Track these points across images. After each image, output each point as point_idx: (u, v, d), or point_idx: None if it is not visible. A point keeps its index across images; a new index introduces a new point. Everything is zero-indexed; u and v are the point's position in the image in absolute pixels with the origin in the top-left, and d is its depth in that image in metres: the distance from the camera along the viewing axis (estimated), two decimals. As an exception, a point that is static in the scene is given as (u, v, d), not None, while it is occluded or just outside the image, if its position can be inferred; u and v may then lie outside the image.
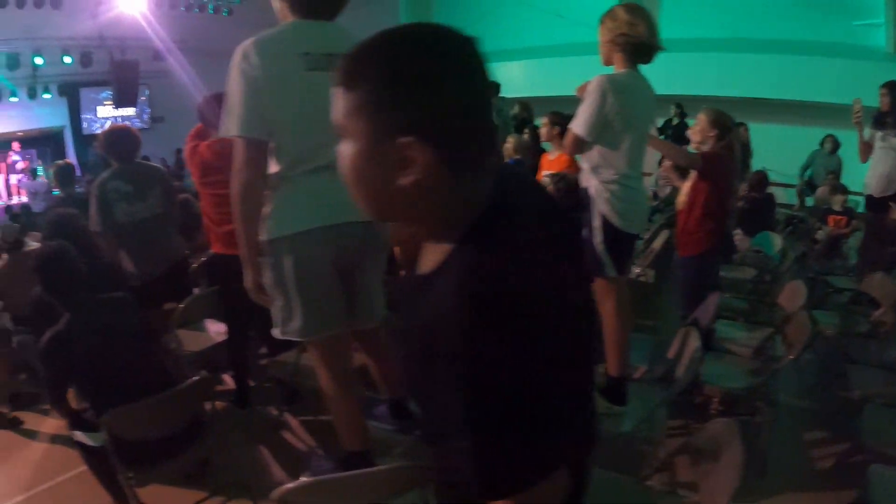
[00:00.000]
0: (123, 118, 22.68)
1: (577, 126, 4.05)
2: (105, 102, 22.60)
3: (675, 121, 13.77)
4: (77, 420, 3.70)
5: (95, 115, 22.66)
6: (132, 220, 5.27)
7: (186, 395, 3.50)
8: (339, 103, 1.24)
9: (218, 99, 3.95)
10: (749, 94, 14.49)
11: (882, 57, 14.12)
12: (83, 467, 4.13)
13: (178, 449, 3.56)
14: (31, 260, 3.71)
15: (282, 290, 3.12)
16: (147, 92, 22.09)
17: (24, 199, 18.17)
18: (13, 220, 11.48)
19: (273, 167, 3.01)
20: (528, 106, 11.00)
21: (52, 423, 5.47)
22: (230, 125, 2.89)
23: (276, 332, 3.27)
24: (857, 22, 14.81)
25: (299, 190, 2.99)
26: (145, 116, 23.48)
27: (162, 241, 5.50)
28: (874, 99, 7.49)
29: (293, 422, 5.04)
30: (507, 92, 11.57)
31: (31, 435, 5.36)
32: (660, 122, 12.97)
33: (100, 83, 21.68)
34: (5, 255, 6.03)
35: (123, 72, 19.73)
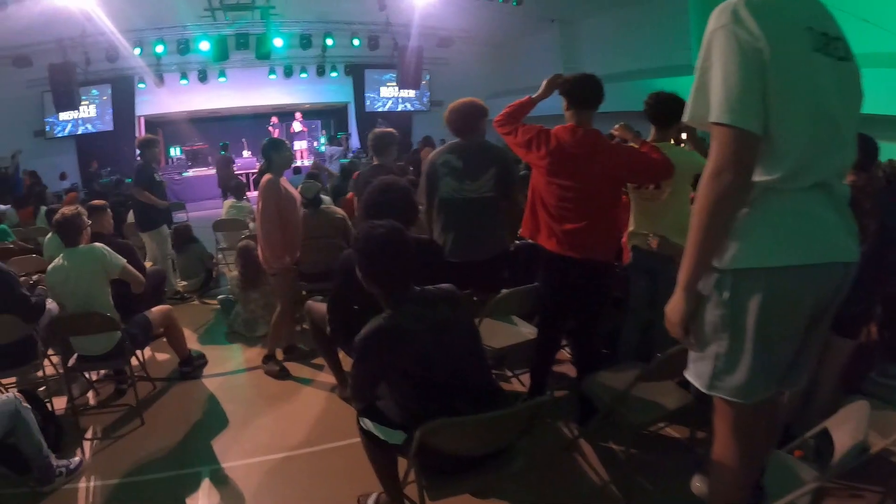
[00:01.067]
0: (404, 100, 23.90)
1: None
2: (388, 84, 23.48)
3: None
4: (375, 413, 3.27)
5: (378, 94, 23.67)
6: (458, 198, 4.86)
7: (520, 416, 2.99)
8: None
9: None
10: None
11: None
12: (347, 441, 4.34)
13: (488, 468, 3.10)
14: (360, 240, 3.09)
15: (731, 334, 2.32)
16: (428, 76, 22.57)
17: (307, 163, 18.91)
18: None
19: (757, 174, 2.20)
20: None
21: (323, 382, 5.76)
22: (716, 108, 2.14)
23: (698, 381, 2.49)
24: None
25: (788, 210, 2.19)
26: (425, 100, 24.19)
27: (487, 226, 4.94)
28: None
29: (586, 448, 4.34)
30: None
31: (302, 394, 5.58)
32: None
33: (384, 65, 22.61)
34: (304, 211, 6.21)
35: (409, 57, 20.15)
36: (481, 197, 4.86)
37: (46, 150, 19.85)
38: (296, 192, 5.82)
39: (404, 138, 21.91)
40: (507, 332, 5.09)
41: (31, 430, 4.11)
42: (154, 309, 5.70)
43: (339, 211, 6.93)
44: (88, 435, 4.94)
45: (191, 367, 6.05)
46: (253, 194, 13.26)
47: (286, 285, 5.91)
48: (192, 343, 6.81)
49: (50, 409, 4.84)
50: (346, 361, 4.42)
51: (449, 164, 4.91)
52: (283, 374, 5.90)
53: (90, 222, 5.34)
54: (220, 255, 9.79)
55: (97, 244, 5.11)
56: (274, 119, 21.46)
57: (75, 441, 4.79)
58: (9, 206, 11.62)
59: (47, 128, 20.11)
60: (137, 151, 8.57)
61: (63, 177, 18.19)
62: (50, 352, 5.50)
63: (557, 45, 20.42)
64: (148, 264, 7.11)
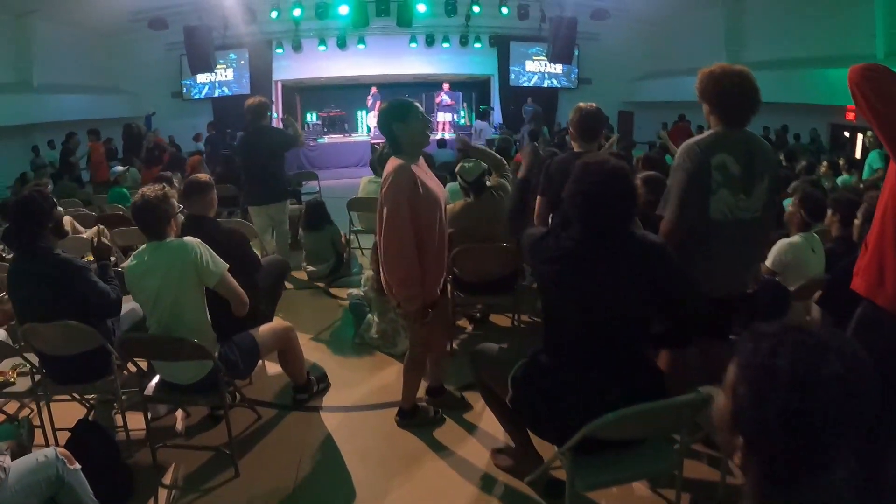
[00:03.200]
0: (551, 75, 22.35)
1: None
2: (534, 58, 22.03)
3: None
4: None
5: (524, 68, 22.21)
6: (730, 220, 3.39)
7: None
8: None
9: None
10: None
11: None
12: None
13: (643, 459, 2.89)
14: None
15: None
16: (577, 52, 20.93)
17: (448, 136, 17.92)
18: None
19: None
20: None
21: (483, 436, 4.24)
22: None
23: None
24: None
25: None
26: (573, 76, 22.56)
27: (751, 256, 3.66)
28: None
29: None
30: None
31: (453, 460, 4.00)
32: None
33: (530, 38, 21.25)
34: (463, 202, 5.23)
35: (562, 28, 18.85)
36: (753, 218, 3.43)
37: (183, 111, 19.81)
38: (438, 185, 3.95)
39: (549, 116, 20.76)
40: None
41: (79, 498, 2.97)
42: (265, 327, 4.22)
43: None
44: (167, 480, 3.77)
45: (308, 393, 4.60)
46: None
47: (421, 329, 3.98)
48: (312, 352, 5.41)
49: (118, 448, 3.70)
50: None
51: (725, 170, 3.34)
52: (432, 419, 4.36)
53: (181, 207, 3.94)
54: (353, 237, 8.36)
55: (191, 240, 3.67)
56: (373, 89, 20.32)
57: (150, 486, 3.68)
58: (128, 167, 10.57)
59: (185, 90, 20.05)
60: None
61: (198, 138, 17.69)
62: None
63: (720, 27, 18.67)
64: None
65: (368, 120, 20.40)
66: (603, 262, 2.71)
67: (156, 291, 3.57)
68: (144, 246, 3.68)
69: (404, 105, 3.81)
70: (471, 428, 4.28)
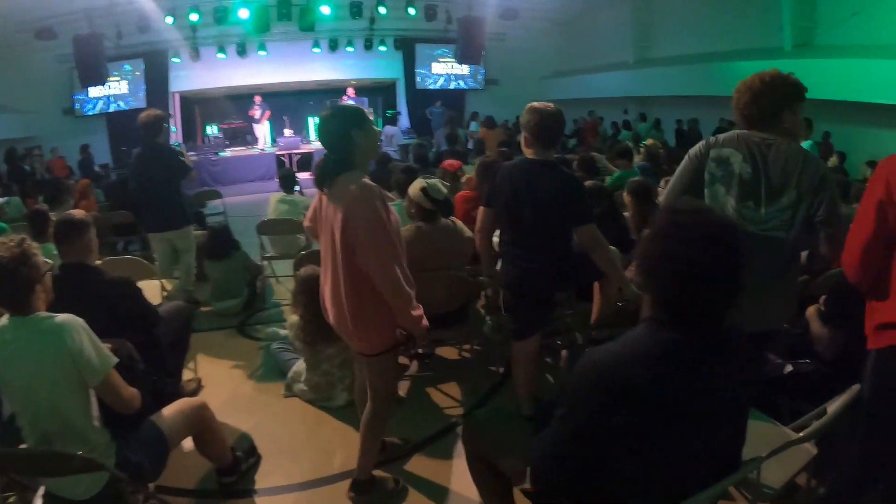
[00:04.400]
0: (457, 76, 21.90)
1: None
2: (441, 59, 21.50)
3: None
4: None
5: (429, 70, 21.64)
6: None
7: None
8: None
9: None
10: None
11: None
12: None
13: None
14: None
15: None
16: (483, 52, 20.31)
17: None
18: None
19: None
20: None
21: None
22: None
23: None
24: None
25: None
26: (480, 77, 22.15)
27: (769, 287, 3.03)
28: None
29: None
30: (878, 97, 11.25)
31: None
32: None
33: (437, 39, 20.68)
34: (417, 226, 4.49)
35: (470, 28, 18.30)
36: (766, 236, 2.99)
37: (76, 129, 18.03)
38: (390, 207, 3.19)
39: (458, 118, 19.98)
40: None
41: None
42: (172, 410, 3.22)
43: (466, 228, 4.72)
44: None
45: (235, 474, 3.65)
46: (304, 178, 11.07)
47: (392, 378, 3.50)
48: (233, 413, 4.45)
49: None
50: None
51: (727, 165, 3.05)
52: (393, 491, 3.59)
53: (50, 263, 2.86)
54: (265, 264, 7.34)
55: (69, 322, 2.64)
56: (257, 98, 19.01)
57: None
58: (8, 198, 9.26)
59: (76, 105, 18.31)
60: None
61: (83, 151, 16.21)
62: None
63: (628, 24, 18.93)
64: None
65: (256, 131, 19.06)
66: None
67: (26, 385, 2.60)
68: (5, 321, 2.66)
69: (359, 109, 3.16)
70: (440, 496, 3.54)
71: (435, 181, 4.45)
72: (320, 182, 3.08)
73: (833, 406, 2.67)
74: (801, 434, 2.55)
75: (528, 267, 3.84)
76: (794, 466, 2.68)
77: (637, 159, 8.75)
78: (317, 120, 3.01)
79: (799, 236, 2.99)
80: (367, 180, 2.99)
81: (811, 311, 3.69)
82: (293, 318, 4.66)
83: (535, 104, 3.89)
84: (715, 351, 1.84)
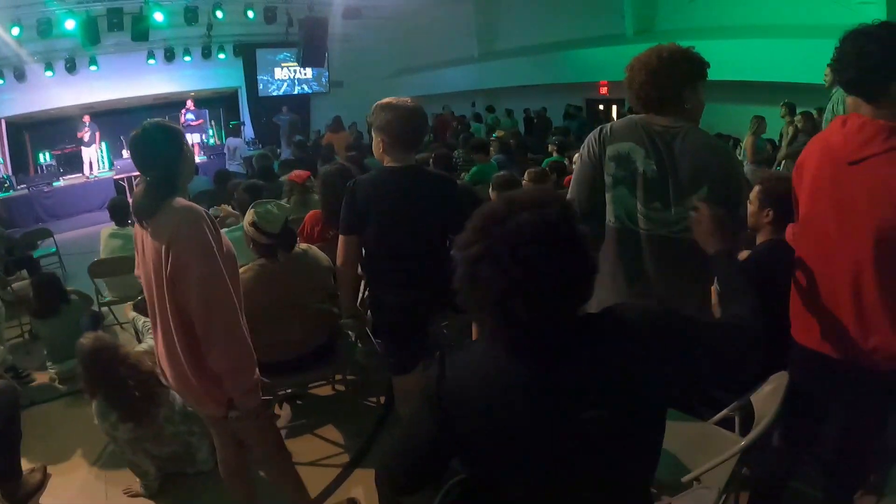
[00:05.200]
0: (301, 81, 21.25)
1: None
2: (283, 64, 20.75)
3: None
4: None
5: (272, 76, 20.81)
6: (630, 230, 2.76)
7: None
8: None
9: None
10: None
11: None
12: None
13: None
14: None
15: None
16: (326, 54, 19.87)
17: (199, 159, 16.01)
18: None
19: None
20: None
21: None
22: None
23: None
24: None
25: None
26: (324, 80, 21.53)
27: (683, 288, 2.85)
28: None
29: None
30: (721, 75, 10.63)
31: None
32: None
33: (278, 44, 19.92)
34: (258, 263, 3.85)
35: (312, 30, 17.80)
36: (676, 238, 2.66)
37: None
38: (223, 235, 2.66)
39: (304, 125, 19.77)
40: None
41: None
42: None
43: (321, 255, 4.08)
44: None
45: None
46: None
47: (272, 426, 3.07)
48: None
49: None
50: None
51: (629, 163, 2.70)
52: None
53: None
54: (104, 311, 6.42)
55: None
56: (86, 118, 17.38)
57: None
58: None
59: None
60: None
61: None
62: None
63: (471, 18, 19.20)
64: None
65: (84, 154, 17.25)
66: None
67: None
68: None
69: (176, 126, 2.61)
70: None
71: (268, 208, 3.75)
72: (143, 213, 2.47)
73: (765, 400, 2.72)
74: (743, 442, 2.55)
75: (416, 296, 3.26)
76: (731, 463, 2.60)
77: (492, 152, 8.65)
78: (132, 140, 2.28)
79: None
80: (191, 206, 2.47)
81: (714, 300, 3.38)
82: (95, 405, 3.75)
83: (390, 100, 3.29)
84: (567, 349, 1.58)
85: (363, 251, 3.40)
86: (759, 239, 3.53)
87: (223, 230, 2.74)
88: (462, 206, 3.19)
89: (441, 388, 1.66)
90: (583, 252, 1.52)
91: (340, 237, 3.36)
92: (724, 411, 3.04)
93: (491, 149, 8.88)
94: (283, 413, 4.60)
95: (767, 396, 2.72)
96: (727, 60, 12.13)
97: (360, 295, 3.94)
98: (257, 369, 2.60)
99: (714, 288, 3.30)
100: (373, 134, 3.31)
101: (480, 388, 1.62)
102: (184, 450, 3.87)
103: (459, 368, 1.68)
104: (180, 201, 2.47)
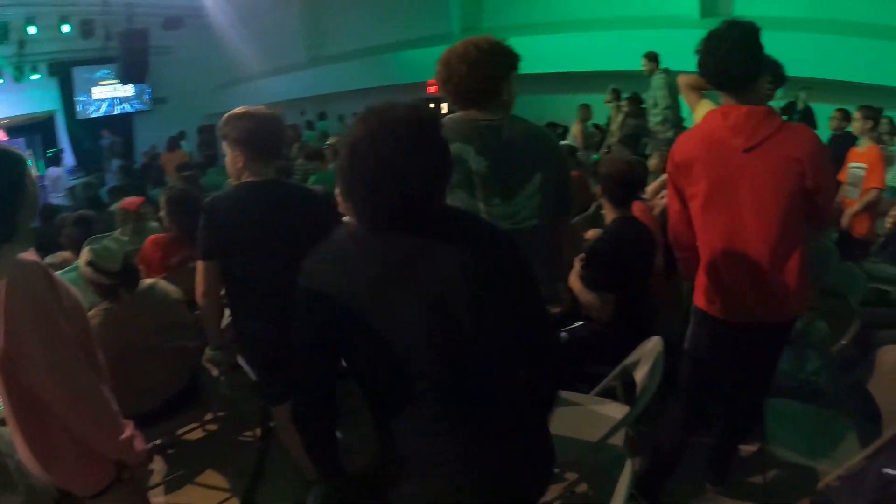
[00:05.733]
0: (122, 100, 20.17)
1: None
2: (100, 83, 19.58)
3: (801, 105, 11.82)
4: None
5: (90, 96, 19.58)
6: None
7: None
8: None
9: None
10: (841, 77, 12.79)
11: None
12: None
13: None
14: None
15: None
16: (148, 69, 19.17)
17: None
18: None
19: None
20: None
21: None
22: None
23: None
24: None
25: None
26: (146, 97, 20.56)
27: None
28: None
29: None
30: (545, 67, 12.13)
31: None
32: (781, 102, 11.13)
33: (96, 60, 18.76)
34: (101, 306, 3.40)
35: (131, 42, 17.07)
36: (521, 228, 2.70)
37: None
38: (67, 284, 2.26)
39: (127, 146, 18.73)
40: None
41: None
42: None
43: (170, 287, 3.70)
44: None
45: None
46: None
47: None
48: None
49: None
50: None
51: (462, 164, 2.63)
52: None
53: None
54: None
55: None
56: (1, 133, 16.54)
57: None
58: None
59: None
60: None
61: None
62: None
63: (297, 24, 19.04)
64: None
65: None
66: None
67: None
68: None
69: (14, 152, 2.07)
70: None
71: (104, 244, 3.39)
72: None
73: (643, 365, 2.92)
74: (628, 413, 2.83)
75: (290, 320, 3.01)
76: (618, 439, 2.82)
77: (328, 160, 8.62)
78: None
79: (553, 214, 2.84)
80: (29, 256, 2.08)
81: (573, 279, 3.63)
82: None
83: (243, 109, 3.05)
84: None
85: (225, 276, 3.13)
86: (608, 218, 3.75)
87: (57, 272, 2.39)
88: (328, 220, 2.99)
89: (303, 280, 1.77)
90: (446, 149, 1.70)
91: (199, 263, 3.09)
92: (605, 381, 3.18)
93: (326, 156, 8.72)
94: (157, 467, 4.18)
95: (644, 361, 2.93)
96: (552, 54, 12.98)
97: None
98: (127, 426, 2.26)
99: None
100: (227, 148, 3.04)
101: (337, 274, 1.72)
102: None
103: (319, 260, 1.78)
104: (19, 250, 2.05)
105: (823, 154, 2.63)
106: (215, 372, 3.92)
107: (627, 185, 3.72)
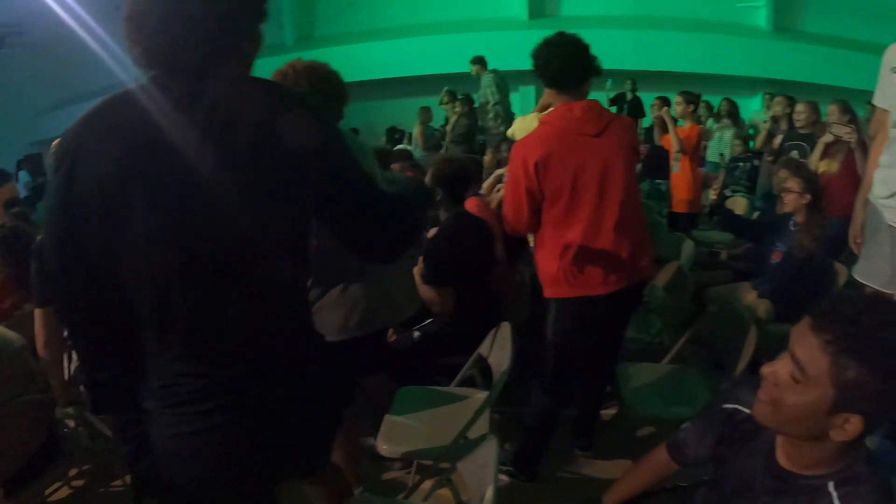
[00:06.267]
0: None
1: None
2: None
3: (630, 96, 12.76)
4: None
5: None
6: None
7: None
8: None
9: None
10: (660, 68, 14.19)
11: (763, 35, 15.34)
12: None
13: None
14: None
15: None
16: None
17: None
18: None
19: None
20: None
21: None
22: None
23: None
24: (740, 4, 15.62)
25: None
26: None
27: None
28: (756, 69, 12.67)
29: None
30: (383, 73, 13.09)
31: None
32: (611, 94, 12.57)
33: None
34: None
35: None
36: None
37: None
38: None
39: None
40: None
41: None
42: None
43: (10, 333, 3.28)
44: None
45: None
46: None
47: None
48: None
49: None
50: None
51: None
52: None
53: None
54: None
55: None
56: None
57: None
58: None
59: None
60: None
61: None
62: None
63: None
64: None
65: None
66: None
67: None
68: None
69: None
70: None
71: None
72: None
73: (497, 351, 3.08)
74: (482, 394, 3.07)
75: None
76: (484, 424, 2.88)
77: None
78: None
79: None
80: None
81: (416, 276, 3.66)
82: None
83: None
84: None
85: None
86: (442, 216, 3.93)
87: None
88: None
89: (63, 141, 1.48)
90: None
91: (37, 311, 3.03)
92: (462, 371, 3.32)
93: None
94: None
95: (496, 347, 3.10)
96: (390, 59, 13.48)
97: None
98: None
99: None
100: None
101: (104, 143, 1.43)
102: None
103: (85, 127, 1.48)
104: None
105: (637, 141, 3.17)
106: (72, 423, 3.67)
107: (458, 182, 3.87)
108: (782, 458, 1.51)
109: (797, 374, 1.34)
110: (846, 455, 1.41)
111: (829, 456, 1.41)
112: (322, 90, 2.58)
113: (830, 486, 1.41)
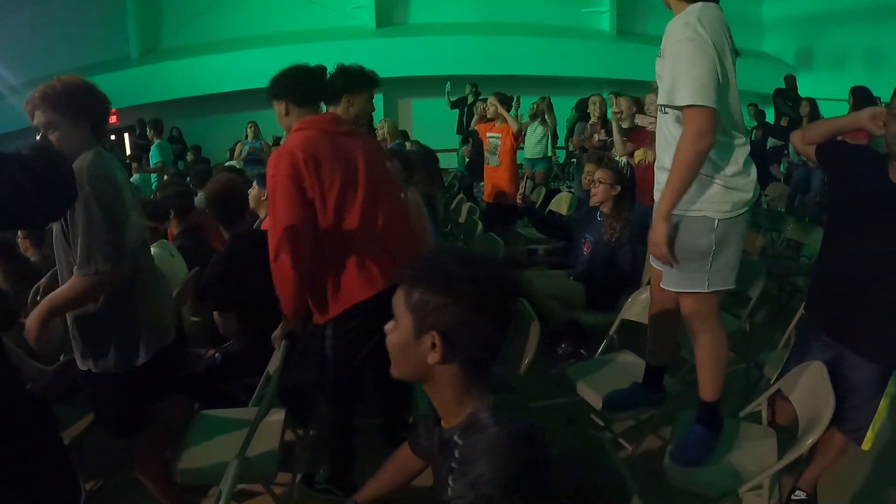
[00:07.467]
0: None
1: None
2: None
3: (471, 98, 12.13)
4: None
5: None
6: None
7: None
8: None
9: None
10: (510, 72, 14.44)
11: (606, 38, 16.33)
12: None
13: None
14: None
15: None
16: None
17: None
18: None
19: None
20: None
21: None
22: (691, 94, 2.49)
23: (697, 286, 2.73)
24: (585, 9, 16.47)
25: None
26: None
27: None
28: (601, 70, 13.94)
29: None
30: (228, 86, 12.95)
31: None
32: (452, 97, 12.26)
33: None
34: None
35: None
36: None
37: None
38: None
39: None
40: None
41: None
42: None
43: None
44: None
45: None
46: None
47: None
48: None
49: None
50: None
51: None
52: None
53: None
54: None
55: None
56: None
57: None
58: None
59: None
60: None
61: None
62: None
63: None
64: None
65: None
66: None
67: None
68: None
69: None
70: None
71: None
72: None
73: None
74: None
75: None
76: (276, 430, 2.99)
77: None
78: None
79: None
80: None
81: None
82: None
83: None
84: None
85: None
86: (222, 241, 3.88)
87: None
88: None
89: None
90: None
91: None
92: (257, 392, 3.20)
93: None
94: None
95: (276, 362, 2.99)
96: (235, 71, 13.08)
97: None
98: None
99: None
100: None
101: None
102: None
103: None
104: None
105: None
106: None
107: (228, 202, 3.69)
108: (442, 422, 1.61)
109: (393, 322, 1.50)
110: (467, 405, 1.51)
111: (454, 406, 1.53)
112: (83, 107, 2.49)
113: (456, 436, 1.51)
